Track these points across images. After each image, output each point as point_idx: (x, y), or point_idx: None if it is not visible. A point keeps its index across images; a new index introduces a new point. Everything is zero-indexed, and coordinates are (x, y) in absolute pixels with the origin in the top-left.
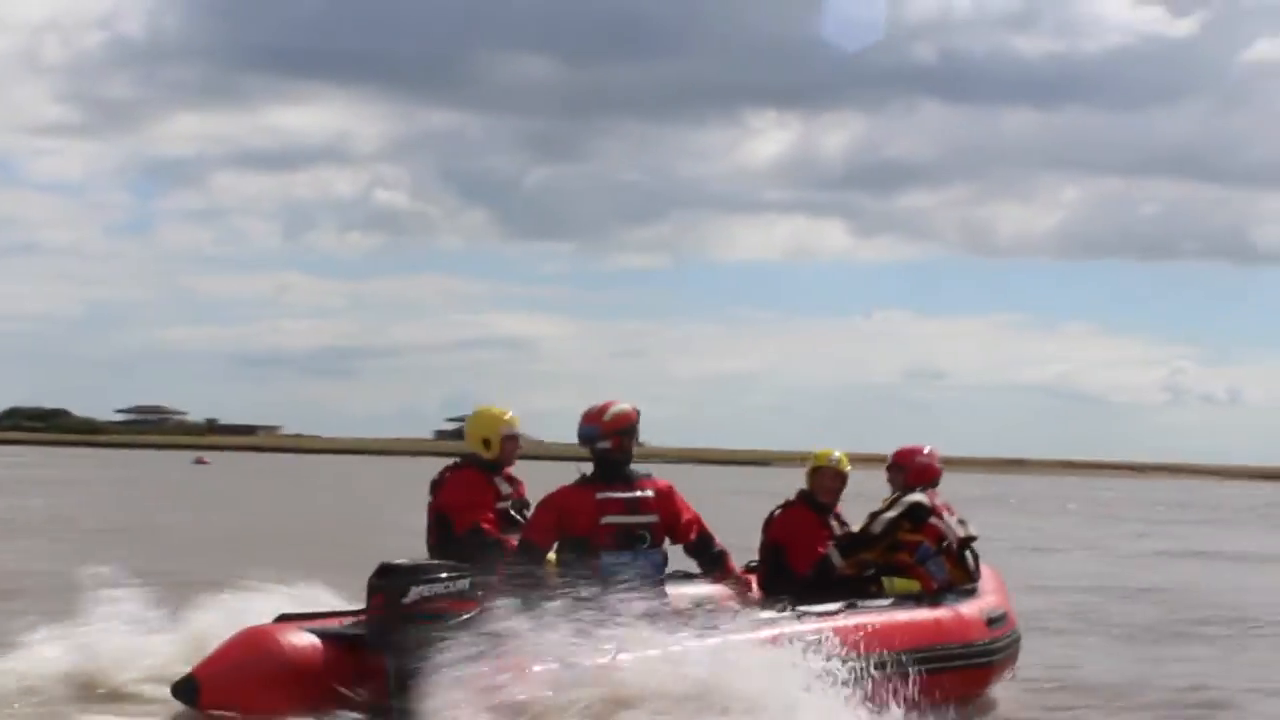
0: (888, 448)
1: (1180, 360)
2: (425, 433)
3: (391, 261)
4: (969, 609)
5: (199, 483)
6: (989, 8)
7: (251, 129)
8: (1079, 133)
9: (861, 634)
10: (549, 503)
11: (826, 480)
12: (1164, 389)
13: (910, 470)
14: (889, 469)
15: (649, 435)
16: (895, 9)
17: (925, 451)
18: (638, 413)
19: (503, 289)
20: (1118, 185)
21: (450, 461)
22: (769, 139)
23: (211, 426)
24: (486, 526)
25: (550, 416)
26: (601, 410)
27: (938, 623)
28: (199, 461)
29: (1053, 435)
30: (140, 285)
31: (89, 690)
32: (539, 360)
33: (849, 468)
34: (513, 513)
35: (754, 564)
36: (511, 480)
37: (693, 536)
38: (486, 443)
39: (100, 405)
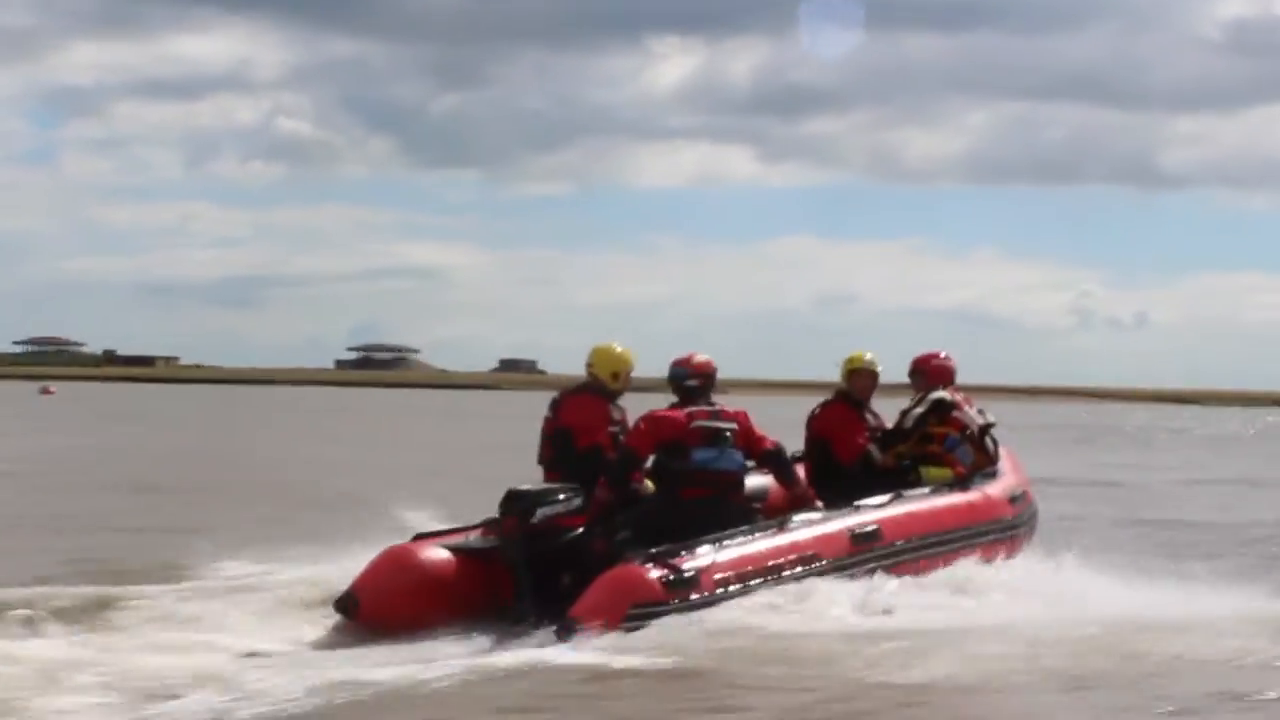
0: (800, 373)
1: (1087, 284)
2: (330, 363)
3: (296, 191)
4: (995, 490)
5: (36, 413)
6: None
7: (152, 57)
8: (985, 57)
9: (910, 519)
10: (647, 417)
11: (862, 380)
12: (1071, 312)
13: (929, 372)
14: (911, 375)
15: (556, 363)
16: None
17: (942, 355)
18: (716, 367)
19: (409, 218)
20: (1023, 109)
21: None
22: (673, 65)
23: (109, 357)
24: (604, 445)
25: (459, 344)
26: (689, 357)
27: (971, 505)
28: (44, 391)
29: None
30: (41, 215)
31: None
32: (447, 289)
33: (880, 368)
34: (620, 436)
35: (799, 454)
36: (621, 410)
37: (766, 449)
38: (615, 375)
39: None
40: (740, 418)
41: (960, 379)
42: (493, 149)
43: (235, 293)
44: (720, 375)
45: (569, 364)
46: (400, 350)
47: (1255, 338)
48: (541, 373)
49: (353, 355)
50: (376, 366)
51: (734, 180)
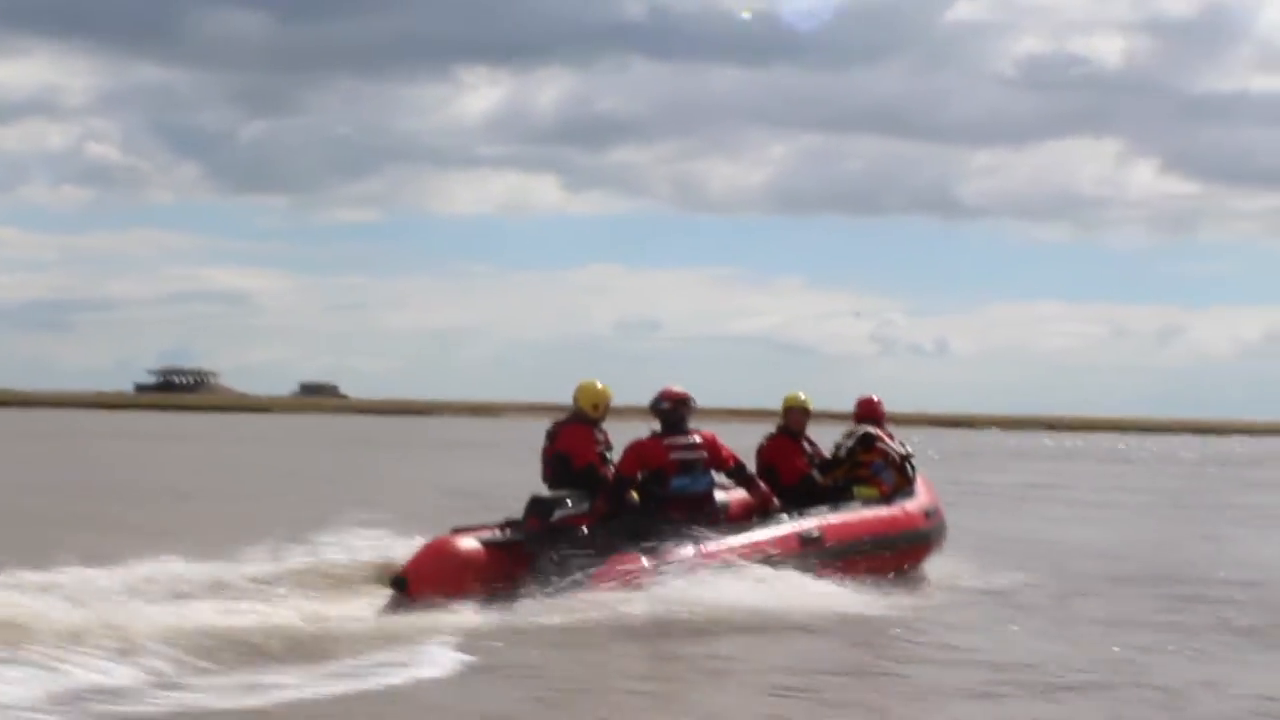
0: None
1: (889, 312)
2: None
3: (105, 216)
4: (912, 506)
5: None
6: None
7: None
8: (785, 90)
9: (845, 527)
10: (633, 448)
11: (796, 416)
12: (873, 340)
13: (860, 411)
14: (854, 412)
15: (362, 388)
16: None
17: (873, 399)
18: (692, 397)
19: (217, 243)
20: (823, 141)
21: (558, 418)
22: (481, 95)
23: None
24: (595, 463)
25: (263, 368)
26: (669, 388)
27: (893, 517)
28: None
29: (767, 386)
30: None
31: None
32: (255, 314)
33: (812, 405)
34: (606, 454)
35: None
36: (603, 433)
37: (730, 465)
38: (595, 406)
39: None
40: (709, 441)
41: (760, 404)
42: (301, 176)
43: (42, 316)
44: (525, 400)
45: (379, 388)
46: (200, 374)
47: (1050, 364)
48: (343, 397)
49: (152, 379)
50: (176, 390)
51: (540, 209)
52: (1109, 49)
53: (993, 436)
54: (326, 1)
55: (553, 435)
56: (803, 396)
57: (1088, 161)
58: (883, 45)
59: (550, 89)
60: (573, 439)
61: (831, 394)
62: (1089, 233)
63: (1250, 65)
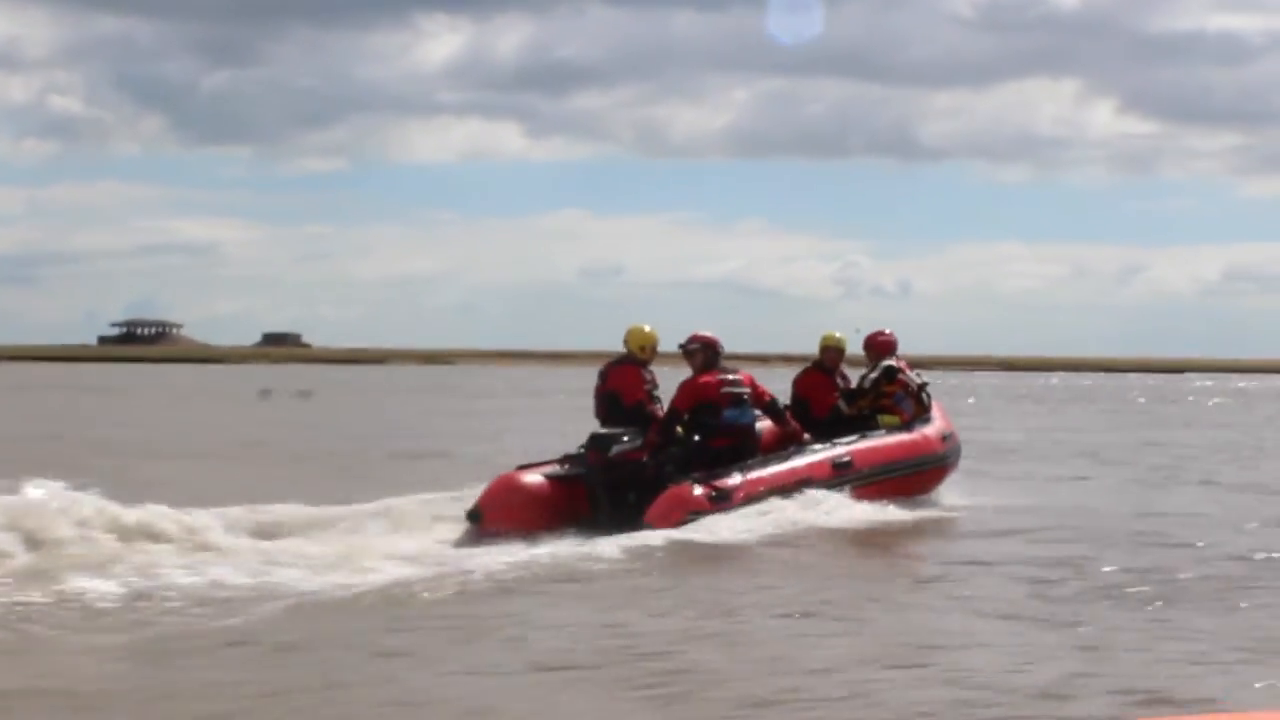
0: (572, 344)
1: (852, 254)
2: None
3: (70, 168)
4: (930, 431)
5: None
6: None
7: None
8: (744, 34)
9: (872, 450)
10: (688, 384)
11: (830, 353)
12: (837, 283)
13: (878, 346)
14: (865, 349)
15: (331, 336)
16: None
17: (886, 332)
18: (719, 340)
19: (183, 194)
20: (785, 85)
21: (610, 360)
22: (441, 42)
23: None
24: (644, 400)
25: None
26: (698, 333)
27: (914, 442)
28: None
29: (732, 329)
30: None
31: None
32: (222, 265)
33: (847, 343)
34: (653, 393)
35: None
36: (651, 373)
37: (766, 400)
38: (643, 349)
39: None
40: (748, 380)
41: (729, 348)
42: (264, 126)
43: (9, 270)
44: (496, 347)
45: (350, 337)
46: (163, 325)
47: (1012, 305)
48: (306, 346)
49: (115, 331)
50: (140, 342)
51: (504, 155)
52: None
53: (953, 377)
54: None
55: (604, 375)
56: (838, 335)
57: (1046, 102)
58: None
59: (510, 35)
60: (622, 378)
61: (797, 336)
62: (1049, 173)
63: (1206, 4)
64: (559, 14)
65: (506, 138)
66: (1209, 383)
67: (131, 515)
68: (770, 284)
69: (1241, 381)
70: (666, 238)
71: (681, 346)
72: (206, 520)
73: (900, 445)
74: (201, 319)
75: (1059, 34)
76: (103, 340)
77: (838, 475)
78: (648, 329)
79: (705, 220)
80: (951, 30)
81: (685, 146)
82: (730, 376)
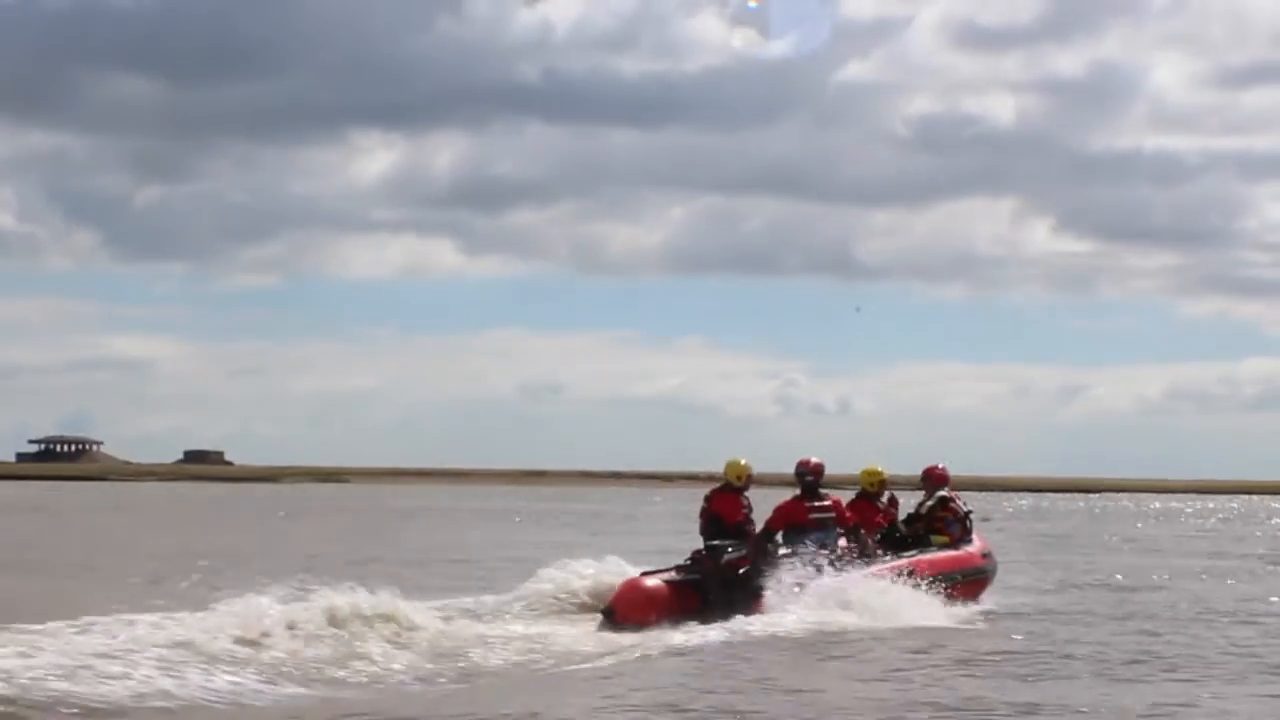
0: (507, 462)
1: (791, 373)
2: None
3: (1, 284)
4: (973, 549)
5: None
6: (589, 28)
7: None
8: (681, 152)
9: (928, 564)
10: (781, 508)
11: (876, 487)
12: (776, 401)
13: (934, 478)
14: (922, 479)
15: (264, 455)
16: (495, 30)
17: (940, 466)
18: (823, 465)
19: (115, 310)
20: (720, 203)
21: (710, 488)
22: (375, 158)
23: None
24: (742, 521)
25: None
26: (808, 459)
27: (961, 557)
28: None
29: (670, 448)
30: None
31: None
32: (154, 381)
33: (885, 474)
34: (749, 514)
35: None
36: (747, 498)
37: (849, 524)
38: (739, 478)
39: None
40: (836, 505)
41: (667, 468)
42: (198, 241)
43: None
44: (430, 465)
45: (281, 455)
46: (83, 442)
47: (952, 424)
48: (228, 464)
49: (34, 448)
50: (58, 459)
51: (439, 272)
52: (1001, 108)
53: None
54: (218, 65)
55: (709, 499)
56: (882, 469)
57: (984, 221)
58: (773, 106)
59: (445, 152)
60: (724, 503)
61: (736, 454)
62: (987, 292)
63: (1142, 124)
64: (494, 131)
65: (442, 254)
66: (1154, 504)
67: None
68: (709, 402)
69: (1174, 501)
70: (604, 355)
71: (796, 472)
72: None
73: (951, 559)
74: (130, 436)
75: (995, 153)
76: (21, 457)
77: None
78: (743, 462)
79: (643, 338)
80: (888, 149)
81: (622, 264)
82: (819, 504)
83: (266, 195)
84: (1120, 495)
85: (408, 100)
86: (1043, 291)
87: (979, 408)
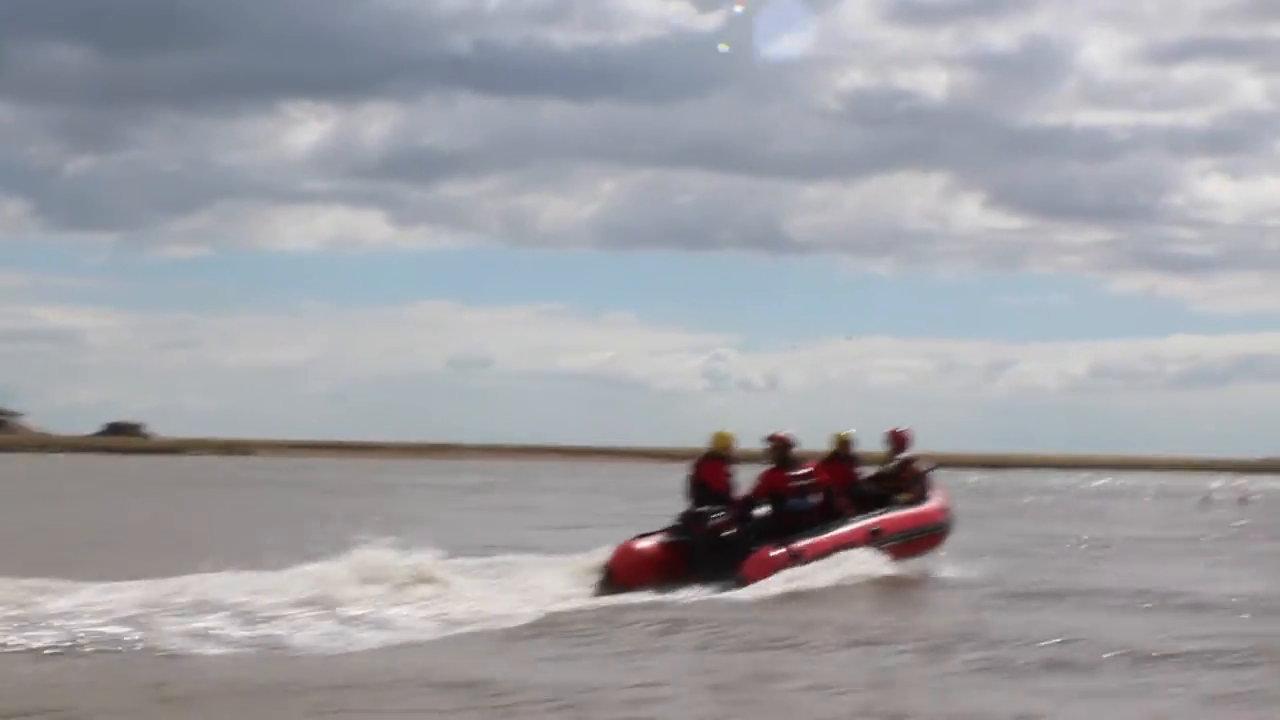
0: (439, 435)
1: (720, 348)
2: None
3: None
4: (934, 505)
5: None
6: (521, 0)
7: None
8: (613, 125)
9: (886, 525)
10: (763, 476)
11: (846, 448)
12: (705, 376)
13: (898, 439)
14: (887, 441)
15: (190, 427)
16: (427, 1)
17: (902, 429)
18: (792, 436)
19: (43, 281)
20: (653, 176)
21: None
22: (307, 129)
23: None
24: (726, 488)
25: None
26: (776, 432)
27: (924, 513)
28: None
29: (600, 421)
30: None
31: None
32: (83, 353)
33: (853, 438)
34: (733, 481)
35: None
36: (730, 466)
37: (823, 486)
38: (725, 447)
39: None
40: (818, 471)
41: (594, 441)
42: (128, 212)
43: None
44: (362, 438)
45: (212, 427)
46: (3, 413)
47: (880, 399)
48: (146, 437)
49: None
50: None
51: (370, 244)
52: (933, 83)
53: None
54: (149, 35)
55: (696, 467)
56: (850, 432)
57: (914, 196)
58: (707, 80)
59: (376, 123)
60: (710, 471)
61: (664, 430)
62: (916, 267)
63: (1073, 100)
64: (426, 102)
65: (373, 226)
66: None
67: None
68: (638, 376)
69: (1100, 480)
70: (534, 329)
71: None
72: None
73: (914, 516)
74: (55, 408)
75: (926, 128)
76: None
77: (873, 539)
78: (727, 431)
79: (573, 311)
80: (819, 123)
81: (553, 237)
82: (798, 472)
83: (198, 166)
84: (1048, 470)
85: (340, 71)
86: (972, 267)
87: (907, 383)
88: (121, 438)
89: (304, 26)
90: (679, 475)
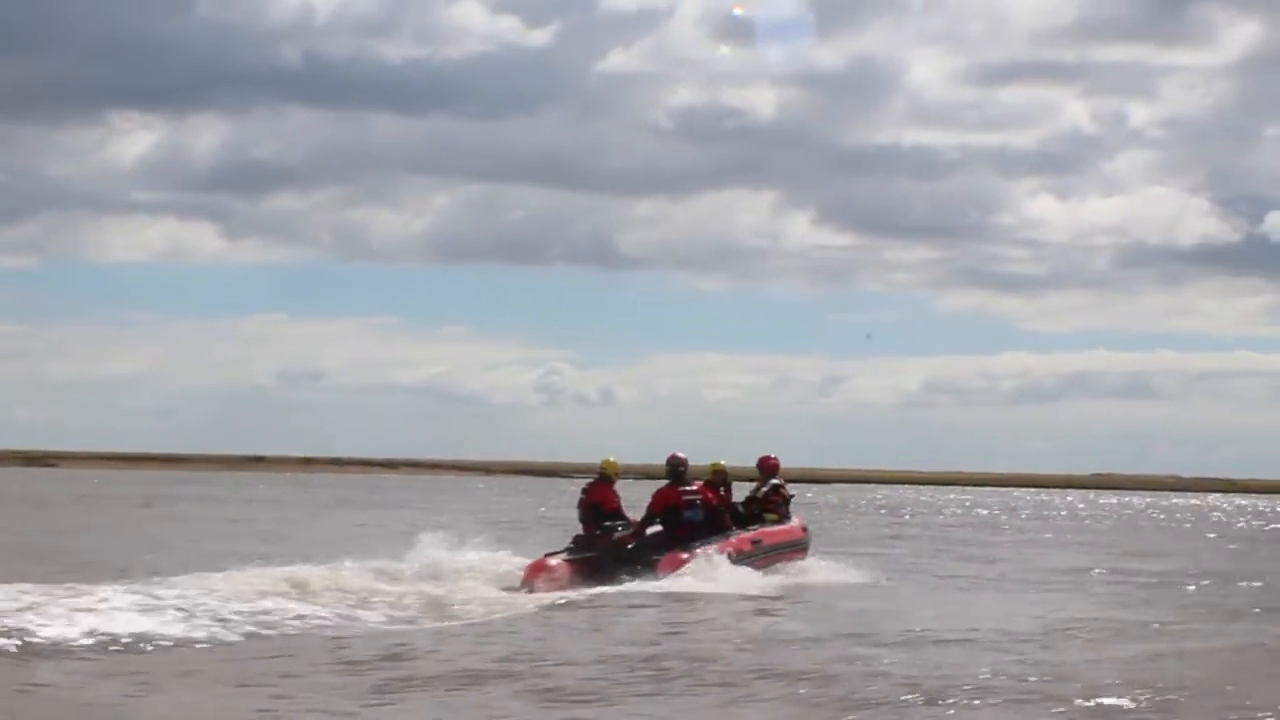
0: (267, 449)
1: (555, 362)
2: None
3: None
4: (795, 524)
5: None
6: (350, 13)
7: None
8: (444, 139)
9: (764, 537)
10: (658, 494)
11: (720, 476)
12: (539, 390)
13: (767, 467)
14: (758, 466)
15: (20, 440)
16: (256, 12)
17: (773, 458)
18: (685, 458)
19: None
20: (484, 191)
21: (589, 480)
22: (134, 140)
23: None
24: (618, 509)
25: None
26: (677, 454)
27: (788, 530)
28: None
29: (434, 436)
30: None
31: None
32: None
33: (723, 464)
34: (620, 503)
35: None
36: (617, 491)
37: (711, 505)
38: (615, 473)
39: None
40: (701, 489)
41: (426, 456)
42: None
43: None
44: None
45: (38, 439)
46: None
47: (714, 415)
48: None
49: None
50: None
51: (199, 256)
52: (762, 101)
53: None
54: None
55: (587, 491)
56: (723, 463)
57: (745, 213)
58: (537, 95)
59: (205, 135)
60: (601, 493)
61: (498, 444)
62: (748, 283)
63: (902, 119)
64: (255, 115)
65: (202, 238)
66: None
67: None
68: (472, 390)
69: (925, 495)
70: (366, 342)
71: (666, 462)
72: None
73: (783, 532)
74: None
75: (756, 145)
76: None
77: (754, 549)
78: (613, 459)
79: (406, 325)
80: (649, 140)
81: (385, 251)
82: (690, 488)
83: (23, 175)
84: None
85: (167, 82)
86: (803, 284)
87: (741, 399)
88: None
89: (130, 35)
90: (523, 486)
